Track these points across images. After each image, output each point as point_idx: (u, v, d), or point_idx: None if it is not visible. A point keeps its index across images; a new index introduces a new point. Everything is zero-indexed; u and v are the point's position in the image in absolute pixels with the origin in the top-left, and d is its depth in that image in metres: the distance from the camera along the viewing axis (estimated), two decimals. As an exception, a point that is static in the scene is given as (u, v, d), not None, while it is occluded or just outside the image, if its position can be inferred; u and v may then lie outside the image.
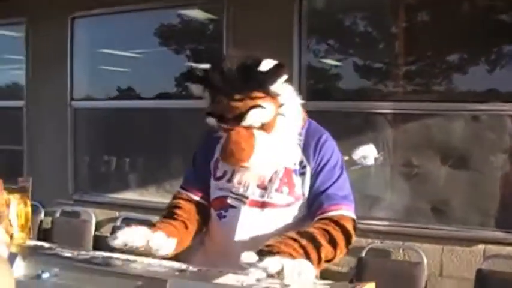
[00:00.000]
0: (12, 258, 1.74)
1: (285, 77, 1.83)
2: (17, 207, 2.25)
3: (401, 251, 3.83)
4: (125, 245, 1.72)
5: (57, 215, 5.10)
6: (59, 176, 5.23)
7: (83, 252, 1.88)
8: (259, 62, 1.79)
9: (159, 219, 2.01)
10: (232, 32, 4.34)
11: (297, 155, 1.93)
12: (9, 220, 2.21)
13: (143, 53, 5.30)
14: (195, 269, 1.68)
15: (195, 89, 1.91)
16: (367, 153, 3.88)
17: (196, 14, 4.93)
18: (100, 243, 4.57)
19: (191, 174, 2.12)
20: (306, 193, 1.93)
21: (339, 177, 1.93)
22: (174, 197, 2.08)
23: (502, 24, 3.75)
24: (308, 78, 4.18)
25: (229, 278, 1.52)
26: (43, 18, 5.26)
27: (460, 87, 3.94)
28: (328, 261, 1.80)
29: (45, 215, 5.18)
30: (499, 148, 3.73)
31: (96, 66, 5.40)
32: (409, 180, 3.97)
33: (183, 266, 1.73)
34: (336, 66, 4.36)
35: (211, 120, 1.88)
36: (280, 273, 1.51)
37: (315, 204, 1.91)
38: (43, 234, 5.00)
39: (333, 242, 1.76)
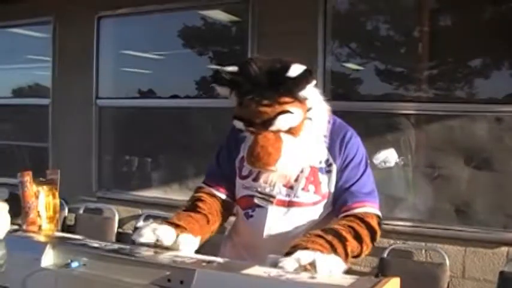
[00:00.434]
0: (41, 247, 1.77)
1: (313, 82, 1.82)
2: (46, 199, 2.27)
3: (423, 251, 3.83)
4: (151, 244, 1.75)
5: (81, 211, 5.17)
6: (83, 173, 5.29)
7: (110, 244, 1.90)
8: (287, 67, 1.77)
9: (181, 210, 2.00)
10: (257, 33, 4.36)
11: (323, 154, 1.93)
12: (38, 212, 2.24)
13: (167, 55, 5.36)
14: (222, 261, 1.70)
15: (222, 91, 1.89)
16: (388, 157, 3.89)
17: (220, 16, 4.97)
18: (123, 240, 4.61)
19: (214, 170, 2.12)
20: (332, 191, 1.94)
21: (363, 174, 1.93)
22: (197, 191, 2.08)
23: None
24: (331, 81, 4.19)
25: (256, 270, 1.53)
26: (70, 17, 5.36)
27: (482, 91, 3.91)
28: (355, 256, 1.81)
29: (69, 211, 5.25)
30: (522, 150, 3.70)
31: (121, 66, 5.47)
32: (432, 182, 3.95)
33: (211, 258, 1.74)
34: (358, 70, 4.38)
35: (239, 124, 1.87)
36: (312, 266, 1.52)
37: (339, 201, 1.92)
38: (67, 230, 5.06)
39: (358, 238, 1.77)
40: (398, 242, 3.85)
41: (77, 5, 5.25)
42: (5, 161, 6.14)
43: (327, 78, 4.16)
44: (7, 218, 2.37)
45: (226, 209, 2.06)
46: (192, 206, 2.00)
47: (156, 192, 5.04)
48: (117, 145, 5.48)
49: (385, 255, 3.80)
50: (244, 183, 2.02)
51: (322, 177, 1.94)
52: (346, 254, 1.72)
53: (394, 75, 4.25)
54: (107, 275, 1.64)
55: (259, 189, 1.97)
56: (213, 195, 2.04)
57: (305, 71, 1.78)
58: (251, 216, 1.99)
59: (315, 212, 1.95)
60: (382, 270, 3.71)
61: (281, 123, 1.79)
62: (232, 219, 2.16)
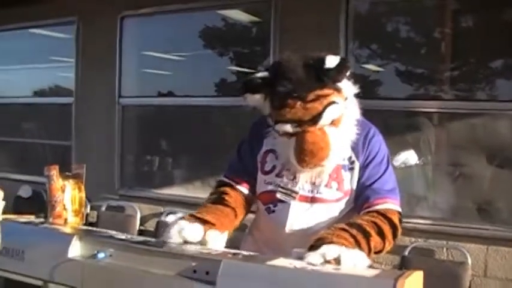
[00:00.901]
0: (68, 238, 1.80)
1: (349, 71, 1.84)
2: (72, 193, 2.31)
3: (445, 250, 3.81)
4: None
5: (103, 209, 5.20)
6: (106, 171, 5.34)
7: (136, 236, 1.93)
8: (323, 59, 1.79)
9: (208, 202, 2.01)
10: (279, 32, 4.38)
11: (347, 150, 1.94)
12: (64, 205, 2.28)
13: (188, 56, 5.41)
14: (247, 253, 1.72)
15: (254, 99, 1.89)
16: (407, 158, 3.89)
17: (240, 16, 5.00)
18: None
19: (235, 164, 2.12)
20: (354, 188, 1.95)
21: (385, 171, 1.94)
22: (219, 185, 2.08)
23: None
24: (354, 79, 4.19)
25: (281, 261, 1.55)
26: (93, 17, 5.43)
27: (504, 90, 3.89)
28: (377, 252, 1.81)
29: (91, 209, 5.28)
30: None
31: (143, 65, 5.52)
32: (453, 180, 3.95)
33: (236, 251, 1.76)
34: (378, 71, 4.38)
35: (285, 127, 1.83)
36: (337, 261, 1.54)
37: (361, 198, 1.93)
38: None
39: (381, 234, 1.78)
40: (419, 240, 3.84)
41: (100, 5, 5.31)
42: (29, 159, 6.23)
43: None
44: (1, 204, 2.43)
45: (247, 203, 2.07)
46: (220, 199, 2.00)
47: (178, 189, 5.08)
48: (140, 143, 5.53)
49: (406, 253, 3.79)
50: (267, 179, 2.02)
51: (345, 175, 1.94)
52: (369, 249, 1.73)
53: (415, 75, 4.25)
54: (133, 265, 1.66)
55: (281, 185, 1.97)
56: (235, 189, 2.04)
57: (342, 59, 1.82)
58: (273, 211, 2.00)
59: (337, 209, 1.96)
60: (404, 269, 3.68)
61: (329, 115, 1.81)
62: (251, 216, 2.16)
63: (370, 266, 1.59)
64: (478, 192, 3.89)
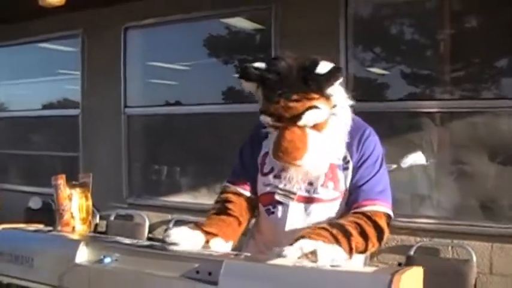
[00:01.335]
0: (76, 244, 1.85)
1: (340, 79, 1.86)
2: (79, 201, 2.35)
3: (450, 248, 3.83)
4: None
5: (112, 218, 5.26)
6: (114, 181, 5.41)
7: (141, 241, 1.98)
8: (316, 64, 1.82)
9: (212, 213, 2.04)
10: (279, 38, 4.43)
11: (341, 150, 1.97)
12: (72, 213, 2.32)
13: (192, 64, 5.45)
14: (248, 254, 1.76)
15: (248, 86, 1.94)
16: (415, 160, 3.91)
17: (243, 23, 5.05)
18: (153, 245, 4.69)
19: (238, 168, 2.16)
20: (348, 187, 1.97)
21: (377, 173, 1.95)
22: (223, 192, 2.11)
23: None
24: (354, 84, 4.24)
25: (282, 260, 1.59)
26: (97, 29, 5.51)
27: (506, 89, 3.92)
28: (360, 252, 1.85)
29: (100, 218, 5.32)
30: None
31: (148, 75, 5.60)
32: (457, 178, 3.97)
33: (238, 252, 1.80)
34: (380, 73, 4.43)
35: (266, 119, 1.90)
36: (314, 255, 1.59)
37: (351, 198, 1.95)
38: (98, 237, 5.16)
39: (363, 235, 1.81)
40: (424, 239, 3.86)
41: (104, 17, 5.39)
42: (38, 171, 6.29)
43: (350, 82, 4.19)
44: None
45: (252, 206, 2.09)
46: (223, 209, 2.03)
47: (185, 197, 5.13)
48: (146, 152, 5.59)
49: (411, 253, 3.81)
50: (265, 180, 2.05)
51: (340, 174, 1.97)
52: (351, 249, 1.77)
53: (417, 77, 4.28)
54: (138, 269, 1.71)
55: (280, 186, 2.00)
56: (239, 194, 2.07)
57: (333, 68, 1.83)
58: (272, 212, 2.03)
59: (334, 208, 1.98)
60: (409, 268, 3.72)
61: (309, 118, 1.83)
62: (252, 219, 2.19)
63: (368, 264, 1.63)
64: (482, 190, 3.91)
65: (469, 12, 4.07)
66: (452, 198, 3.97)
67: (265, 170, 2.06)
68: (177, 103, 5.40)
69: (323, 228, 1.76)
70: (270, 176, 2.04)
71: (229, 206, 2.03)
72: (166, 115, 5.44)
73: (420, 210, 3.99)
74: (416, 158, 3.96)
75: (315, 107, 1.84)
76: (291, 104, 1.83)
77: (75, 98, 5.95)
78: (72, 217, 2.33)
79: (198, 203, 4.85)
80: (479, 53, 4.01)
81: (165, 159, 5.55)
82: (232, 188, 2.10)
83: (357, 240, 1.79)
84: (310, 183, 1.97)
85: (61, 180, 2.33)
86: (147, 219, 5.07)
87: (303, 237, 1.69)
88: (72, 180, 2.43)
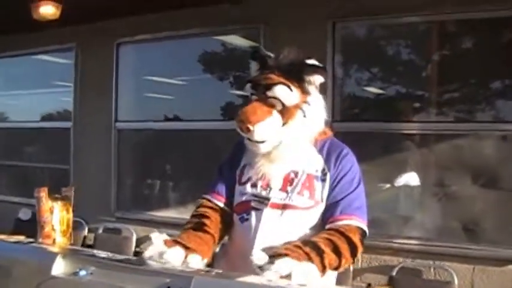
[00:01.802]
0: (52, 256, 1.88)
1: (321, 77, 2.01)
2: (60, 214, 2.39)
3: (432, 270, 3.85)
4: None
5: (100, 231, 5.28)
6: (103, 194, 5.44)
7: (117, 255, 2.00)
8: (308, 58, 2.01)
9: (188, 228, 2.08)
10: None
11: (320, 164, 2.03)
12: (53, 226, 2.36)
13: (186, 80, 5.52)
14: (220, 271, 1.78)
15: (253, 65, 2.11)
16: (408, 181, 3.97)
17: (238, 41, 5.10)
18: (140, 259, 4.70)
19: (217, 181, 2.20)
20: (325, 199, 2.01)
21: (354, 190, 2.00)
22: (200, 205, 2.15)
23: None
24: (342, 103, 4.29)
25: (252, 278, 1.62)
26: (91, 44, 5.57)
27: (488, 113, 3.99)
28: (334, 269, 1.89)
29: (89, 231, 5.37)
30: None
31: (140, 90, 5.63)
32: (440, 200, 4.01)
33: (212, 269, 1.83)
34: (366, 92, 4.48)
35: (247, 87, 2.05)
36: (289, 275, 1.64)
37: (328, 212, 1.99)
38: (86, 250, 5.17)
39: (337, 251, 1.85)
40: (407, 260, 3.89)
41: (97, 32, 5.44)
42: (29, 183, 6.30)
43: (336, 101, 4.25)
44: None
45: (227, 219, 2.13)
46: (199, 225, 2.07)
47: (173, 212, 5.15)
48: (136, 167, 5.62)
49: (394, 273, 3.83)
50: (242, 190, 2.09)
51: (318, 185, 2.01)
52: (324, 266, 1.80)
53: (400, 97, 4.33)
54: (112, 282, 1.72)
55: (255, 193, 2.05)
56: (215, 208, 2.12)
57: (320, 65, 2.03)
58: (246, 219, 2.06)
59: (308, 217, 2.01)
60: (390, 288, 3.75)
61: (279, 91, 1.97)
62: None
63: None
64: (465, 212, 3.94)
65: (456, 36, 4.14)
66: (435, 220, 4.00)
67: (243, 180, 2.11)
68: (168, 119, 5.43)
69: (296, 246, 1.79)
70: (247, 185, 2.08)
71: (206, 222, 2.06)
72: (156, 130, 5.47)
73: (403, 230, 4.02)
74: (409, 179, 4.03)
75: (289, 86, 1.97)
76: (269, 75, 1.99)
77: (69, 110, 5.97)
78: (53, 229, 2.37)
79: (184, 218, 4.80)
80: (465, 76, 4.07)
81: (154, 174, 5.58)
82: (209, 200, 2.15)
83: (330, 257, 1.82)
84: (287, 191, 2.01)
85: (43, 193, 2.37)
86: (134, 233, 5.08)
87: (279, 255, 1.72)
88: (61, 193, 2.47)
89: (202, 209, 2.13)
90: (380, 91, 4.41)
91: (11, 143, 6.79)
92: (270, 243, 1.94)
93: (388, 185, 4.14)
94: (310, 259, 1.76)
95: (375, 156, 4.11)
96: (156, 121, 5.44)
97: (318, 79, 2.00)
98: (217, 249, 2.32)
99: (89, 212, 5.34)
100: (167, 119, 5.39)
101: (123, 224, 5.25)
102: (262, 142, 2.00)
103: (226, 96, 5.17)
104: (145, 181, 5.62)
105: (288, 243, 1.85)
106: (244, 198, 2.08)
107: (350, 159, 2.06)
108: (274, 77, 1.98)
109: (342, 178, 2.01)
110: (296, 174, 2.02)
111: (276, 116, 1.98)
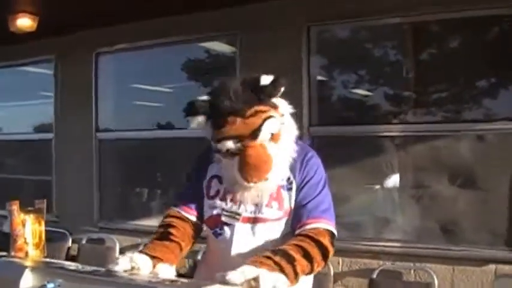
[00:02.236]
0: (21, 269, 1.88)
1: (283, 88, 1.92)
2: (32, 227, 2.38)
3: (412, 272, 3.86)
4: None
5: (84, 242, 5.25)
6: (85, 205, 5.43)
7: (86, 266, 2.00)
8: (258, 78, 1.90)
9: (154, 238, 2.06)
10: (245, 63, 4.51)
11: (285, 171, 2.00)
12: (25, 239, 2.35)
13: (167, 88, 5.52)
14: (186, 281, 1.79)
15: (197, 121, 1.95)
16: (388, 184, 4.01)
17: (221, 47, 5.10)
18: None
19: (185, 192, 2.19)
20: (293, 207, 2.01)
21: (320, 192, 2.00)
22: (167, 215, 2.13)
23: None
24: (319, 107, 4.30)
25: (217, 286, 1.62)
26: (70, 55, 5.57)
27: (465, 112, 4.01)
28: (307, 274, 1.88)
29: (73, 242, 5.34)
30: (507, 167, 3.75)
31: (121, 99, 5.64)
32: (419, 202, 4.02)
33: (178, 278, 1.83)
34: (342, 95, 4.50)
35: (227, 144, 1.89)
36: (256, 281, 1.62)
37: (296, 217, 1.98)
38: (71, 260, 5.15)
39: (308, 257, 1.84)
40: (387, 263, 3.89)
41: (76, 43, 5.44)
42: (12, 195, 6.26)
43: (313, 105, 4.26)
44: None
45: (196, 231, 2.11)
46: (165, 234, 2.05)
47: (155, 221, 5.06)
48: (118, 176, 5.61)
49: (374, 276, 3.84)
50: (211, 203, 2.07)
51: (285, 194, 2.00)
52: (296, 273, 1.79)
53: (378, 99, 4.35)
54: (79, 294, 1.74)
55: (225, 208, 2.03)
56: (184, 219, 2.09)
57: (275, 77, 1.91)
58: (220, 234, 2.05)
59: (278, 228, 2.00)
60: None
61: (268, 129, 1.88)
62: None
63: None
64: (443, 213, 3.97)
65: (435, 36, 4.16)
66: (413, 222, 4.02)
67: (211, 193, 2.09)
68: (149, 124, 5.43)
69: (266, 256, 1.77)
70: (216, 199, 2.07)
71: (172, 231, 2.04)
72: (137, 139, 5.47)
73: (382, 233, 4.03)
74: (388, 181, 4.06)
75: (271, 116, 1.89)
76: (248, 121, 1.86)
77: (49, 121, 5.97)
78: (26, 242, 2.35)
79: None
80: (445, 77, 4.09)
81: (136, 184, 5.58)
82: (177, 212, 2.11)
83: (301, 263, 1.81)
84: (256, 204, 2.00)
85: (15, 206, 2.35)
86: (117, 242, 5.07)
87: (247, 265, 1.71)
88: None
89: (168, 219, 2.10)
90: (358, 94, 4.43)
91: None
92: (246, 256, 1.91)
93: (367, 188, 4.16)
94: (281, 268, 1.74)
95: (353, 159, 4.13)
96: (137, 130, 5.43)
97: (282, 90, 1.94)
98: (199, 257, 2.32)
99: (72, 223, 5.34)
100: (146, 128, 5.39)
101: (107, 234, 5.23)
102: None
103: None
104: (128, 190, 5.62)
105: (258, 255, 1.81)
106: (214, 212, 2.06)
107: (315, 163, 2.05)
108: (255, 120, 1.86)
109: (307, 182, 2.00)
110: None
111: (271, 146, 1.92)
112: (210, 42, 5.10)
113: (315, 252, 1.86)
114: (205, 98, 1.96)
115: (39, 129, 6.29)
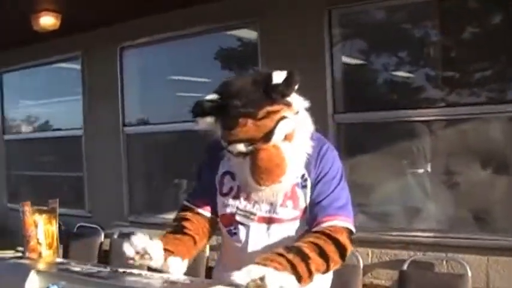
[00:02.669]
0: (26, 271, 1.89)
1: (297, 83, 1.80)
2: (44, 227, 2.37)
3: (444, 262, 3.74)
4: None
5: (115, 236, 5.28)
6: (116, 199, 5.47)
7: (90, 267, 1.99)
8: (270, 75, 1.78)
9: (167, 233, 2.03)
10: (266, 51, 4.43)
11: (300, 168, 1.91)
12: (38, 239, 2.34)
13: (193, 78, 5.46)
14: (188, 281, 1.74)
15: (205, 122, 1.86)
16: (418, 172, 3.91)
17: (251, 35, 4.97)
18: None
19: (197, 188, 2.14)
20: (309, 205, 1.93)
21: (336, 187, 1.90)
22: (181, 210, 2.09)
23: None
24: (343, 92, 4.18)
25: (221, 288, 1.58)
26: (96, 51, 5.62)
27: (496, 94, 3.84)
28: (323, 273, 1.80)
29: (105, 237, 5.39)
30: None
31: (146, 92, 5.63)
32: (450, 189, 3.88)
33: (180, 278, 1.79)
34: (369, 79, 4.35)
35: (238, 147, 1.80)
36: (262, 281, 1.55)
37: (311, 215, 1.90)
38: (104, 255, 5.20)
39: (323, 255, 1.76)
40: (418, 253, 3.78)
41: (100, 38, 5.48)
42: (46, 191, 6.37)
43: (337, 90, 4.15)
44: None
45: (212, 226, 2.06)
46: (179, 228, 2.01)
47: (184, 214, 5.13)
48: (147, 170, 5.63)
49: (405, 267, 3.73)
50: (224, 201, 2.01)
51: (300, 192, 1.92)
52: (310, 272, 1.71)
53: (407, 84, 4.21)
54: (81, 297, 1.72)
55: (239, 207, 1.97)
56: (198, 214, 2.03)
57: (289, 73, 1.78)
58: (234, 233, 1.99)
59: (294, 228, 1.93)
60: (402, 284, 3.65)
61: (281, 131, 1.78)
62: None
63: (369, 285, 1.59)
64: (476, 201, 3.82)
65: (460, 18, 3.98)
66: (446, 211, 3.88)
67: (224, 191, 2.02)
68: (175, 121, 5.38)
69: (279, 254, 1.70)
70: (229, 197, 2.00)
71: (186, 224, 2.00)
72: (165, 132, 5.45)
73: (413, 223, 3.90)
74: (418, 169, 3.95)
75: (284, 117, 1.78)
76: (260, 123, 1.77)
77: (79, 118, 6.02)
78: (39, 243, 2.35)
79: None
80: (472, 58, 3.92)
81: (164, 177, 5.57)
82: (191, 207, 2.06)
83: (316, 262, 1.74)
84: (271, 204, 1.93)
85: (27, 207, 2.35)
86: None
87: (257, 263, 1.64)
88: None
89: (182, 213, 2.06)
90: (384, 78, 4.27)
91: (30, 153, 6.88)
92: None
93: (397, 176, 4.03)
94: (293, 266, 1.67)
95: (381, 147, 4.01)
96: (164, 123, 5.41)
97: (296, 86, 1.81)
98: (216, 262, 2.28)
99: (104, 218, 5.38)
100: (173, 121, 5.35)
101: (137, 228, 5.23)
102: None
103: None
104: (156, 184, 5.62)
105: (270, 252, 1.74)
106: (228, 210, 2.00)
107: (331, 156, 1.95)
108: (267, 122, 1.76)
109: (322, 178, 1.91)
110: None
111: (285, 147, 1.81)
112: (237, 30, 5.00)
113: (331, 250, 1.78)
114: (213, 97, 1.85)
115: (69, 126, 6.35)
